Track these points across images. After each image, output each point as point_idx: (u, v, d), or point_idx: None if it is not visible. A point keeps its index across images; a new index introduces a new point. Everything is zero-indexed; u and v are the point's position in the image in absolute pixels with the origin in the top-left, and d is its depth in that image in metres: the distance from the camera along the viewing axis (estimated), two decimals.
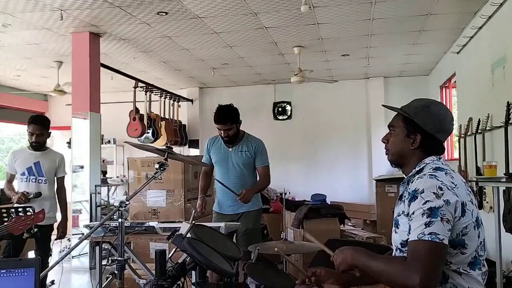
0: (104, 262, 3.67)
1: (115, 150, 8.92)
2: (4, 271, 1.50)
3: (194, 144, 9.20)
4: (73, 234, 5.73)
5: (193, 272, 2.07)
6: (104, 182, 6.72)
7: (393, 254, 1.75)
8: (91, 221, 5.38)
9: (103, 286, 3.23)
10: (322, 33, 5.70)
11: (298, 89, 8.65)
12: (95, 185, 5.67)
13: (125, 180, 8.04)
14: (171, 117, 8.43)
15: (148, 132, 7.54)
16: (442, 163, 1.66)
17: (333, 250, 1.91)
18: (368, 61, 7.30)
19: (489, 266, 1.76)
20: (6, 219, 2.84)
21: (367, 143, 8.66)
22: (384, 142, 1.82)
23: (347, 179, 8.58)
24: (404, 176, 1.77)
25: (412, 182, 1.63)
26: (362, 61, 7.29)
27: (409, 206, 1.56)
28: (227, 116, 3.45)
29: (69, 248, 5.73)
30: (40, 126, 3.75)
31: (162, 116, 8.11)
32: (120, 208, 1.92)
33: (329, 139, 8.80)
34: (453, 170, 1.65)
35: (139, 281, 3.24)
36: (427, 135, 1.66)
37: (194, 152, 9.03)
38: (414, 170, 1.67)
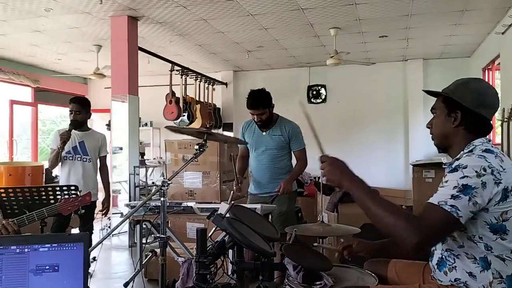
0: (143, 240, 3.81)
1: (152, 132, 9.12)
2: (56, 245, 1.59)
3: (228, 127, 9.27)
4: (113, 214, 5.94)
5: (230, 252, 2.11)
6: (142, 163, 6.89)
7: None
8: (130, 201, 5.55)
9: (143, 262, 3.36)
10: (360, 13, 5.56)
11: (333, 72, 8.52)
12: (134, 166, 5.83)
13: (162, 162, 8.22)
14: (206, 100, 8.50)
15: (183, 115, 7.65)
16: (492, 146, 1.61)
17: (369, 235, 1.91)
18: (407, 43, 7.09)
19: None
20: (52, 197, 3.00)
21: (404, 127, 8.48)
22: (428, 127, 1.79)
23: (382, 164, 8.44)
24: (443, 160, 1.74)
25: (458, 160, 1.58)
26: (401, 42, 7.08)
27: (445, 176, 1.54)
28: (259, 101, 3.44)
29: (109, 226, 5.97)
30: (78, 104, 3.90)
31: (197, 99, 8.19)
32: (163, 187, 1.98)
33: (364, 123, 8.66)
34: (503, 154, 1.60)
35: (177, 259, 3.34)
36: (468, 111, 1.62)
37: (228, 135, 9.10)
38: (462, 152, 1.61)
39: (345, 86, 8.77)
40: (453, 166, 1.54)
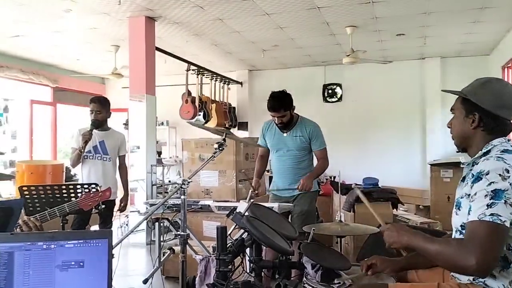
0: (161, 238, 3.86)
1: (168, 131, 9.20)
2: (81, 241, 1.63)
3: (243, 126, 9.30)
4: (130, 211, 6.02)
5: (248, 250, 2.13)
6: (159, 162, 6.96)
7: (453, 236, 1.73)
8: (147, 199, 5.62)
9: (162, 260, 3.41)
10: (377, 12, 5.53)
11: (349, 71, 8.48)
12: (151, 165, 5.89)
13: (178, 161, 8.30)
14: (221, 100, 8.54)
15: (199, 114, 7.71)
16: (511, 146, 1.61)
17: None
18: (425, 41, 7.02)
19: None
20: (73, 194, 3.05)
21: (421, 127, 8.40)
22: (448, 127, 1.79)
23: (399, 163, 8.37)
24: (461, 160, 1.74)
25: (477, 164, 1.58)
26: (418, 40, 7.01)
27: (471, 187, 1.53)
28: (280, 104, 3.41)
29: (127, 224, 6.05)
30: (98, 104, 3.95)
31: (213, 98, 8.24)
32: (183, 186, 2.01)
33: (380, 122, 8.59)
34: None
35: (195, 256, 3.38)
36: (486, 113, 1.62)
37: (243, 134, 9.13)
38: (480, 152, 1.62)
39: (361, 85, 8.72)
40: (474, 173, 1.55)
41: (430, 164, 6.91)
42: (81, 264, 1.60)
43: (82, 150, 3.77)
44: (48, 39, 6.72)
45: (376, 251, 2.24)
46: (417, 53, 8.01)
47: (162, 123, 8.98)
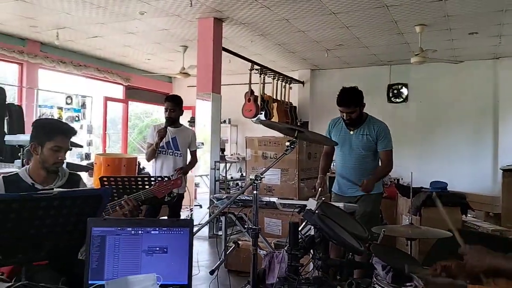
0: (226, 232, 3.98)
1: (230, 129, 9.41)
2: (165, 229, 1.76)
3: (304, 126, 9.30)
4: (195, 205, 6.25)
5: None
6: (222, 159, 7.16)
7: None
8: (210, 194, 5.80)
9: (227, 253, 3.53)
10: (449, 9, 5.32)
11: (416, 71, 8.20)
12: (215, 161, 6.08)
13: (240, 158, 8.48)
14: (283, 99, 8.60)
15: (261, 113, 7.81)
16: None
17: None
18: (500, 40, 6.64)
19: None
20: (147, 185, 3.24)
21: (493, 130, 7.94)
22: None
23: (467, 167, 7.99)
24: None
25: None
26: (493, 39, 6.65)
27: None
28: (351, 99, 3.35)
29: (191, 216, 6.27)
30: (172, 103, 4.16)
31: (274, 97, 8.32)
32: (256, 181, 2.08)
33: (448, 124, 8.24)
34: None
35: (259, 251, 3.47)
36: None
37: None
38: None
39: (428, 85, 8.40)
40: None
41: (502, 169, 6.54)
42: (165, 250, 1.73)
43: (158, 145, 4.00)
44: (122, 40, 7.14)
45: (443, 256, 2.18)
46: (490, 53, 7.59)
47: (225, 121, 9.20)
